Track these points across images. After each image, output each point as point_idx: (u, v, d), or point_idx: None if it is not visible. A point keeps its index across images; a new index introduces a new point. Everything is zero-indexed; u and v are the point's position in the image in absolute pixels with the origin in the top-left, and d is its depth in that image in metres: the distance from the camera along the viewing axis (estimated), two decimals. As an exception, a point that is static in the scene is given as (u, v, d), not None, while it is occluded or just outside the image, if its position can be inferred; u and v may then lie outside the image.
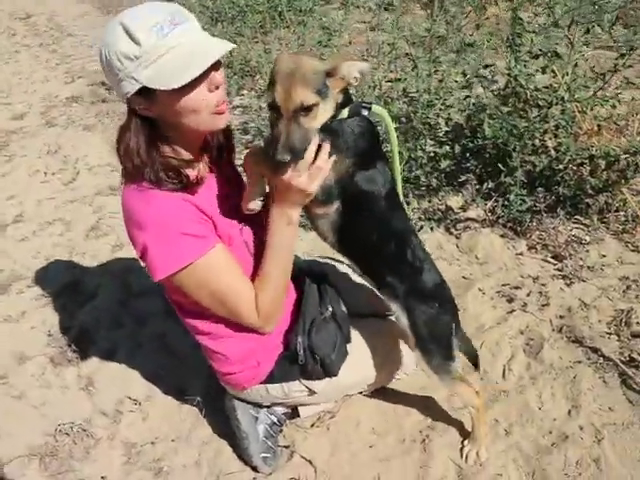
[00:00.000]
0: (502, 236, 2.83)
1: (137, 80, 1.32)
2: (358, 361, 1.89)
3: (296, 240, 1.62)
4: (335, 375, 1.79)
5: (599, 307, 2.36)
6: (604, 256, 2.56)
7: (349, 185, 1.52)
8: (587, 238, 2.69)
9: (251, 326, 1.64)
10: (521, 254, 2.71)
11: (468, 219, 2.92)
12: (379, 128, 1.81)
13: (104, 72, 1.40)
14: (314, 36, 4.46)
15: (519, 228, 2.80)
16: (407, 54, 3.04)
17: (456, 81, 2.81)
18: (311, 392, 1.84)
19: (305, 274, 1.93)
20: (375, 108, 1.51)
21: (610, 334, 2.24)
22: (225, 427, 2.02)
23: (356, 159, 1.49)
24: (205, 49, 1.34)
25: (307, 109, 1.34)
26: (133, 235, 1.48)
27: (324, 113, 1.38)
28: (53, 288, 2.90)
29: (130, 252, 3.16)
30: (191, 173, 1.52)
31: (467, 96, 2.81)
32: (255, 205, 1.53)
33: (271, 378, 1.80)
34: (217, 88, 1.39)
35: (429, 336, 1.71)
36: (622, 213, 2.74)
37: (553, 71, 2.49)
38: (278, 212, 1.51)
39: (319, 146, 1.41)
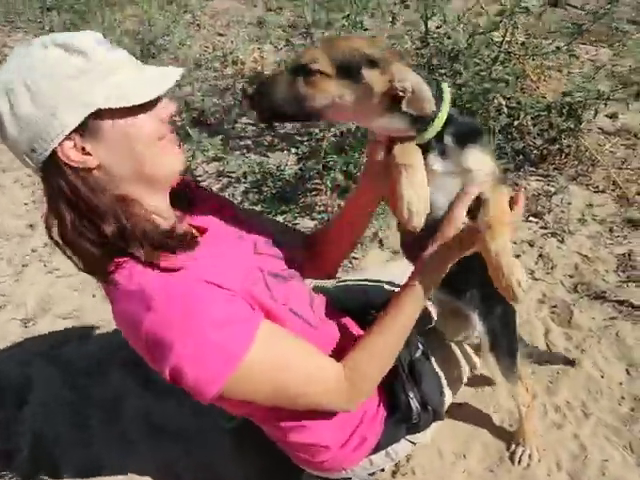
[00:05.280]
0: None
1: (88, 102, 0.95)
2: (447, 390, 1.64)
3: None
4: (442, 419, 1.52)
5: (600, 257, 2.38)
6: (591, 206, 2.58)
7: None
8: (551, 189, 2.69)
9: (332, 409, 1.27)
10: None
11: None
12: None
13: (11, 118, 0.96)
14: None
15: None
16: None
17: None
18: (414, 444, 1.55)
19: (364, 307, 1.58)
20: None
21: (625, 282, 2.26)
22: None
23: None
24: (158, 69, 1.07)
25: (310, 72, 1.06)
26: (155, 357, 1.03)
27: (332, 93, 1.07)
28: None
29: (46, 320, 2.53)
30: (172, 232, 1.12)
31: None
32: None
33: (377, 447, 1.47)
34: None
35: (502, 336, 1.56)
36: (572, 157, 2.79)
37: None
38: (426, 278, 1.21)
39: None
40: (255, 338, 1.03)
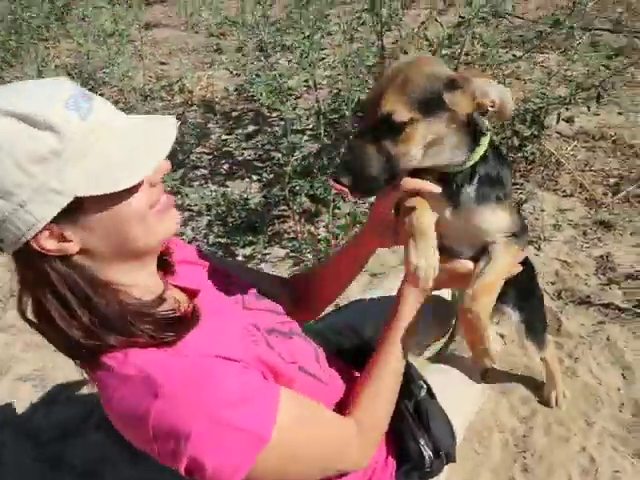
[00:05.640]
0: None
1: (61, 191, 0.79)
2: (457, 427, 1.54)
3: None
4: (455, 460, 1.42)
5: (579, 261, 2.37)
6: (562, 211, 2.58)
7: None
8: (522, 197, 2.69)
9: (347, 470, 1.14)
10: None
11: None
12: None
13: None
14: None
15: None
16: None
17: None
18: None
19: (358, 345, 1.48)
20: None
21: (607, 284, 2.25)
22: None
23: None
24: (148, 125, 0.90)
25: (395, 127, 0.95)
26: (167, 451, 0.85)
27: (424, 137, 0.97)
28: None
29: (5, 384, 2.29)
30: (166, 309, 0.96)
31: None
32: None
33: (387, 500, 1.35)
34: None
35: (537, 322, 1.61)
36: (537, 163, 2.80)
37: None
38: (411, 301, 1.17)
39: None
40: (278, 413, 0.89)
